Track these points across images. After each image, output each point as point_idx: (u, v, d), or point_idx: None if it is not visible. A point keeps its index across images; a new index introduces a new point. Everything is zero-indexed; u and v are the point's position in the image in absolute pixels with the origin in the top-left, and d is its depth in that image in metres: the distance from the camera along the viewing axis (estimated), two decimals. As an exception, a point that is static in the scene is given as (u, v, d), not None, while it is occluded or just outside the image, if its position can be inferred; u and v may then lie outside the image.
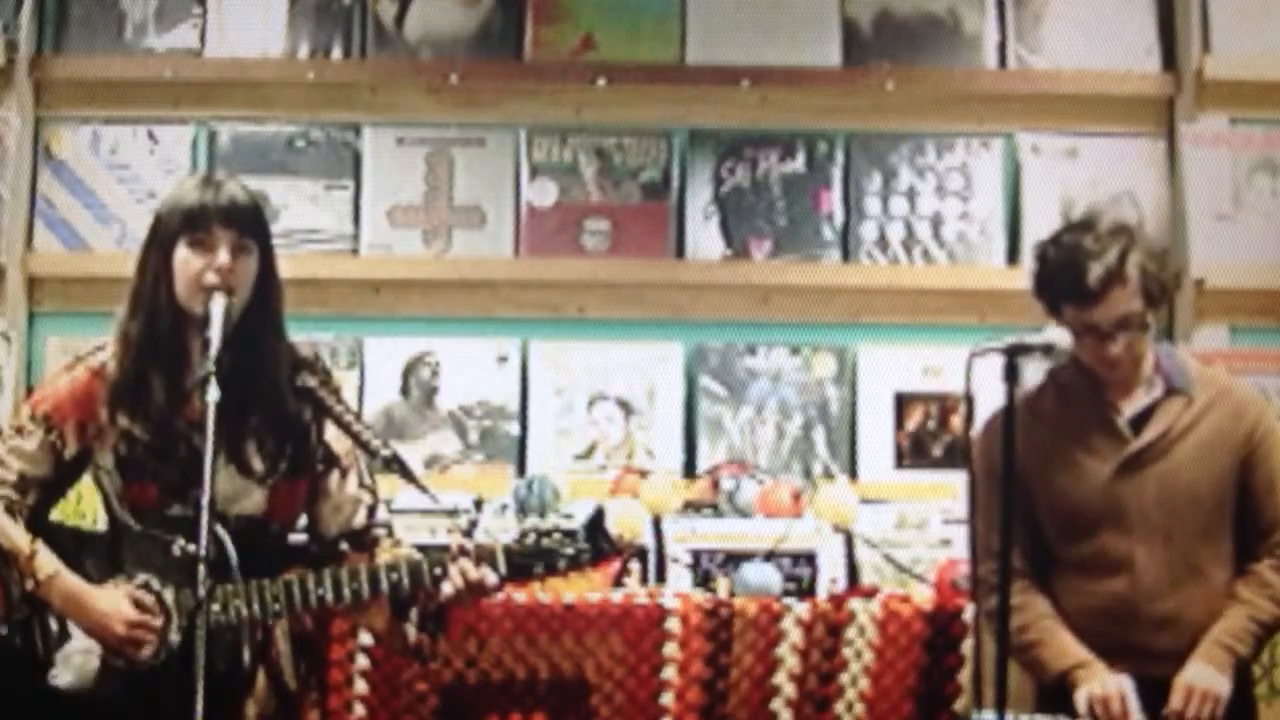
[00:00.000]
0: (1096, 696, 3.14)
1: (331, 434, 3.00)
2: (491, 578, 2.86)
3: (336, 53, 4.51)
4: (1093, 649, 3.21)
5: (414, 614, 2.93)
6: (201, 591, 2.66)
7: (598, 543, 2.90)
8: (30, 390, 4.25)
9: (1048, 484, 3.27)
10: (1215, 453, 3.22)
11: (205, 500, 2.68)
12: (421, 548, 3.00)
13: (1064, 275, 3.15)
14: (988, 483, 3.04)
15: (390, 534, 3.05)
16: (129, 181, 4.45)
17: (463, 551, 2.86)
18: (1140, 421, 3.24)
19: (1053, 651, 3.23)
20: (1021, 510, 3.20)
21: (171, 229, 2.89)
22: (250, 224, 2.92)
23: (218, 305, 2.82)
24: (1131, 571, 3.21)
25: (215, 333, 2.79)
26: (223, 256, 2.85)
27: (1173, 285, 3.27)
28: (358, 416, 3.02)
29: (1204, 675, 3.14)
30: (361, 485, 3.04)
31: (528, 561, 2.88)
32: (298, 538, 3.07)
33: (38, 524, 2.90)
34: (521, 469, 4.36)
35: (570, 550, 2.88)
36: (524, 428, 4.41)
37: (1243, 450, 3.24)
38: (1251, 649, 3.20)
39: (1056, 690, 3.22)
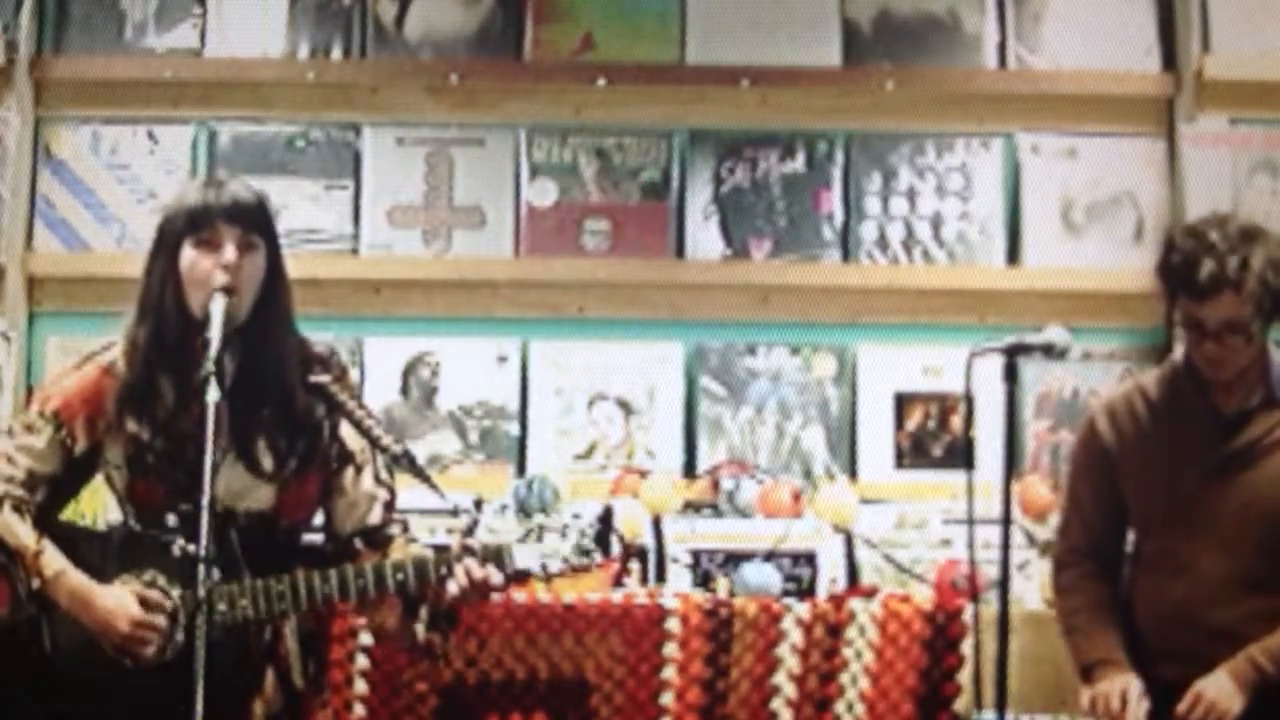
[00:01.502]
0: (1099, 694, 3.14)
1: (346, 431, 2.99)
2: (497, 576, 2.86)
3: (336, 53, 4.51)
4: (1152, 648, 3.20)
5: (424, 612, 2.92)
6: (202, 591, 2.66)
7: (606, 543, 2.90)
8: (30, 390, 4.26)
9: (1137, 474, 3.26)
10: None
11: (205, 500, 2.67)
12: (434, 548, 2.99)
13: (1183, 266, 3.10)
14: (1076, 471, 3.27)
15: (405, 531, 3.04)
16: (129, 181, 4.45)
17: (468, 550, 2.86)
18: (1236, 427, 3.20)
19: (1086, 642, 3.24)
20: (1110, 496, 3.29)
21: (176, 231, 2.88)
22: (256, 221, 2.91)
23: (217, 305, 2.81)
24: (1193, 576, 3.18)
25: (215, 333, 2.78)
26: (229, 253, 2.85)
27: None
28: (370, 413, 3.01)
29: (1218, 686, 3.09)
30: (378, 482, 3.03)
31: (534, 560, 2.88)
32: (313, 537, 3.06)
33: (46, 522, 2.90)
34: (521, 469, 4.36)
35: (579, 549, 2.88)
36: (524, 428, 4.41)
37: None
38: None
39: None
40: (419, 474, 2.97)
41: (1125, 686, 3.14)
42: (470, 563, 2.84)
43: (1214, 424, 3.21)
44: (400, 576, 2.85)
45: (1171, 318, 3.18)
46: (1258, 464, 3.18)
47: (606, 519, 2.94)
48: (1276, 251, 3.14)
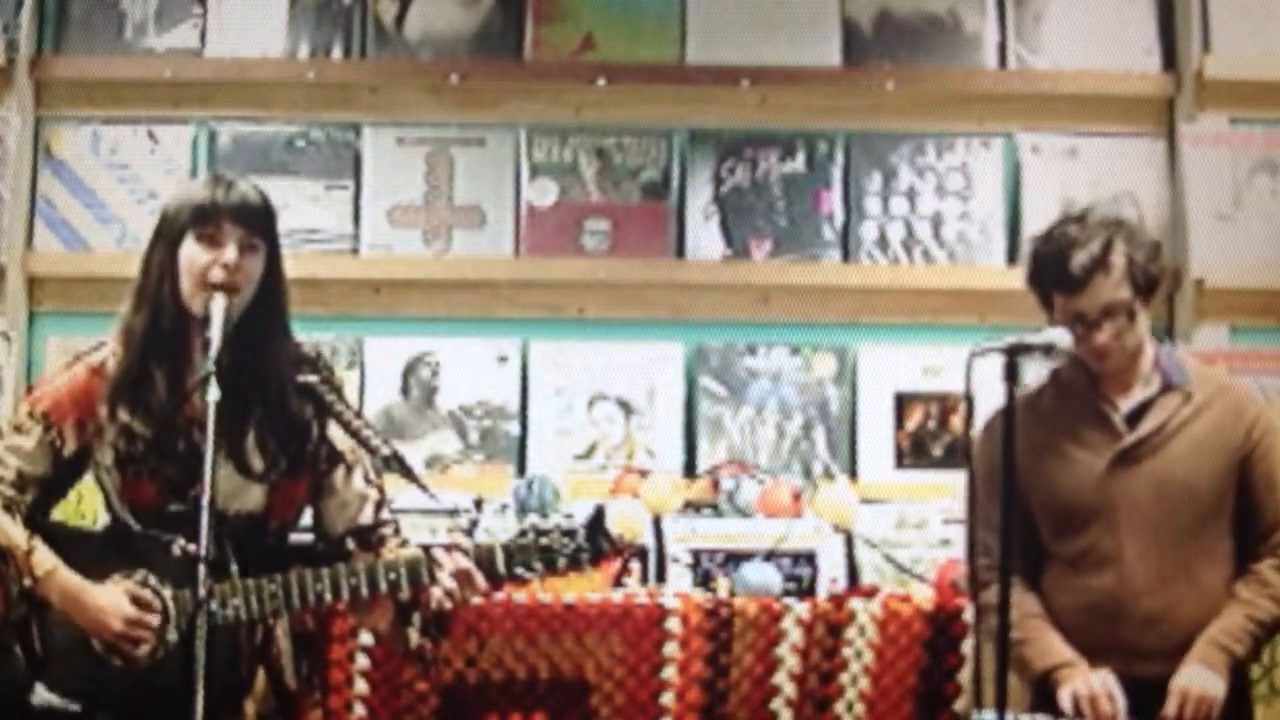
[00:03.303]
0: (1083, 694, 3.14)
1: (335, 431, 3.00)
2: (480, 577, 2.86)
3: (336, 53, 4.51)
4: (1080, 646, 3.20)
5: (416, 618, 2.92)
6: (202, 591, 2.66)
7: (597, 542, 2.90)
8: (30, 390, 4.26)
9: (1041, 478, 3.27)
10: (1212, 450, 3.21)
11: (205, 501, 2.67)
12: (427, 548, 2.99)
13: (1051, 263, 3.17)
14: (985, 482, 3.07)
15: (397, 532, 3.04)
16: (129, 181, 4.45)
17: (456, 546, 2.86)
18: (1136, 417, 3.24)
19: (1037, 650, 3.22)
20: (1017, 507, 3.20)
21: (180, 224, 2.89)
22: (260, 223, 2.92)
23: (218, 305, 2.82)
24: (1120, 567, 3.20)
25: (216, 332, 2.79)
26: (230, 253, 2.85)
27: (1165, 278, 3.27)
28: (359, 414, 3.01)
29: (1199, 678, 3.12)
30: (368, 482, 3.03)
31: (527, 560, 2.88)
32: (303, 537, 3.06)
33: (36, 523, 2.90)
34: (521, 469, 4.36)
35: (570, 549, 2.88)
36: (524, 428, 4.41)
37: (1242, 448, 3.22)
38: (1249, 649, 3.18)
39: (1043, 689, 3.21)
40: (408, 474, 2.97)
41: (1105, 681, 3.14)
42: (456, 556, 2.84)
43: (1113, 416, 3.23)
44: (393, 576, 2.85)
45: (1051, 321, 3.20)
46: (1166, 448, 3.21)
47: (598, 518, 2.92)
48: (1137, 233, 3.20)
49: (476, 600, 2.95)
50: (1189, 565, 3.20)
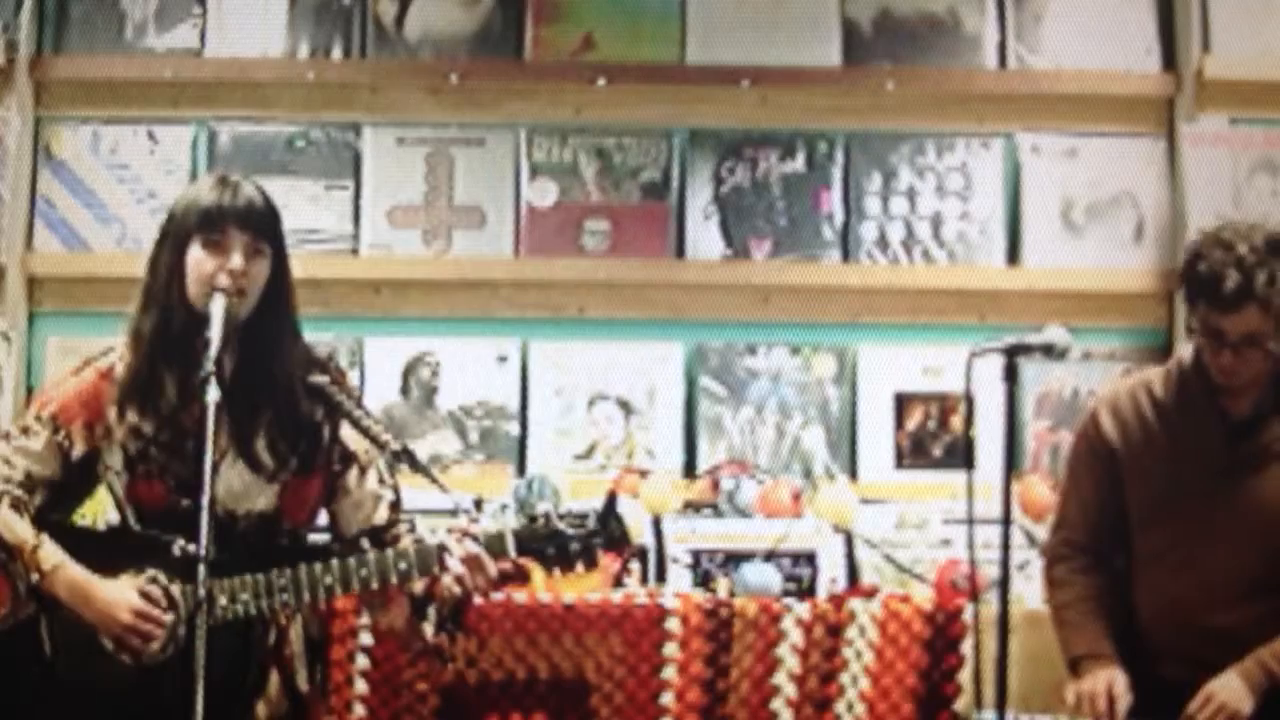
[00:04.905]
0: (1084, 691, 3.14)
1: (347, 432, 3.00)
2: (490, 563, 2.85)
3: (336, 53, 4.51)
4: (1156, 649, 3.20)
5: (432, 613, 2.92)
6: (202, 591, 2.66)
7: (610, 529, 2.88)
8: (30, 390, 4.26)
9: (1142, 471, 3.26)
10: None
11: (205, 500, 2.67)
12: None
13: (1208, 276, 3.10)
14: (1077, 464, 3.27)
15: (412, 530, 3.04)
16: (129, 181, 4.45)
17: (466, 532, 2.85)
18: (1244, 431, 3.21)
19: (1075, 635, 3.25)
20: (1110, 491, 3.30)
21: (186, 228, 2.89)
22: (265, 227, 2.92)
23: (217, 304, 2.82)
24: (1196, 575, 3.18)
25: (215, 332, 2.79)
26: (235, 259, 2.86)
27: None
28: (369, 413, 3.01)
29: (1229, 687, 3.10)
30: (382, 482, 3.03)
31: (539, 545, 2.86)
32: (319, 537, 3.06)
33: (43, 524, 2.90)
34: (521, 469, 4.36)
35: (582, 534, 2.86)
36: (524, 428, 4.41)
37: None
38: None
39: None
40: (421, 470, 2.97)
41: (1110, 681, 3.14)
42: (467, 543, 2.83)
43: (1223, 427, 3.22)
44: (403, 566, 2.84)
45: (1189, 323, 3.19)
46: (1267, 469, 3.19)
47: (611, 505, 2.90)
48: None
49: (486, 586, 2.90)
50: (1266, 587, 3.16)
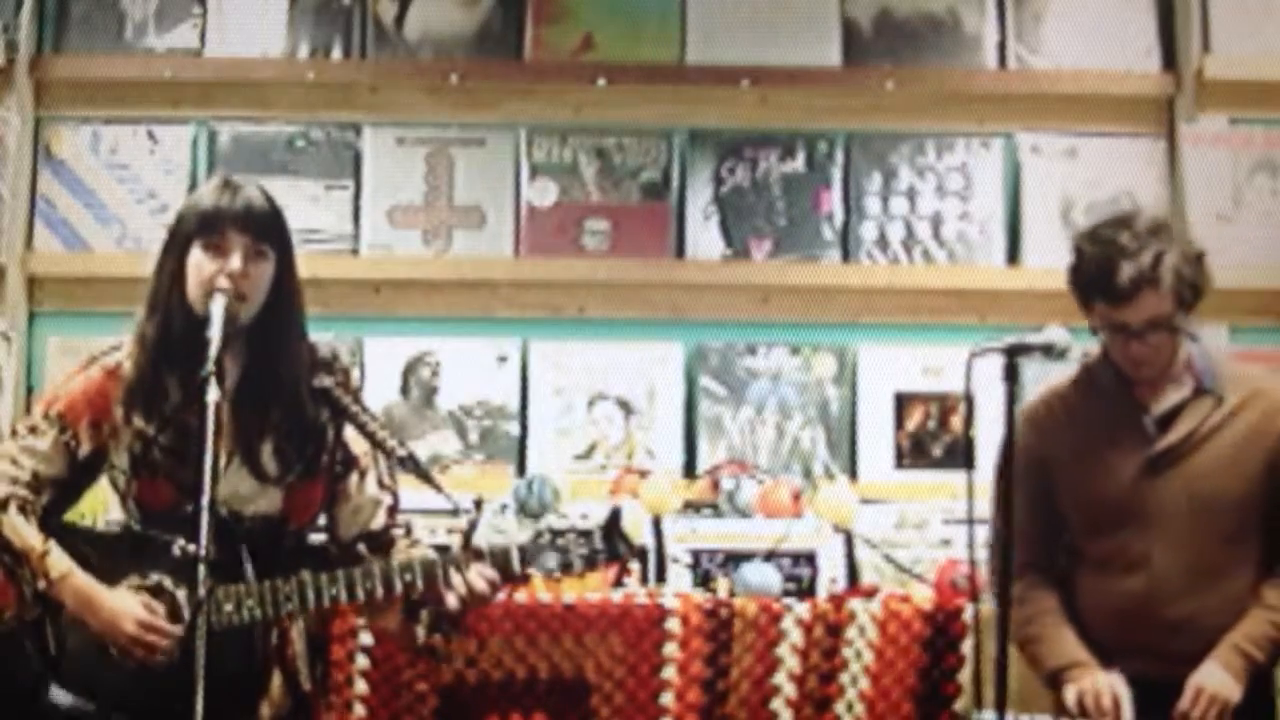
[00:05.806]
0: (1087, 690, 3.13)
1: (350, 435, 3.00)
2: (496, 577, 2.86)
3: (336, 53, 4.51)
4: (1107, 648, 3.18)
5: (424, 615, 2.92)
6: (202, 591, 2.65)
7: (614, 544, 2.89)
8: (30, 390, 4.26)
9: (1073, 477, 3.25)
10: (1244, 456, 3.17)
11: (205, 501, 2.67)
12: (438, 548, 2.99)
13: (1097, 272, 3.11)
14: (1006, 480, 3.05)
15: (408, 534, 3.05)
16: (129, 181, 4.45)
17: (476, 555, 2.86)
18: (1168, 421, 3.20)
19: (1050, 648, 3.21)
20: (1045, 504, 3.24)
21: (187, 232, 2.90)
22: (267, 229, 2.92)
23: (217, 305, 2.82)
24: (1149, 572, 3.17)
25: (214, 333, 2.78)
26: (234, 262, 2.85)
27: (1206, 288, 3.18)
28: (374, 416, 3.01)
29: (1215, 678, 3.10)
30: (381, 486, 3.04)
31: (543, 561, 2.87)
32: (318, 537, 3.06)
33: (50, 525, 2.90)
34: (521, 469, 4.36)
35: (585, 550, 2.88)
36: (524, 428, 4.41)
37: (1274, 452, 3.17)
38: (1270, 655, 3.14)
39: (1055, 688, 3.21)
40: (423, 476, 2.98)
41: (1112, 682, 3.13)
42: (471, 574, 2.84)
43: (1145, 420, 3.20)
44: (408, 578, 2.85)
45: (1090, 326, 3.17)
46: (1197, 453, 3.18)
47: (614, 519, 2.91)
48: (1185, 243, 3.14)
49: (489, 601, 2.93)
50: (1218, 571, 3.16)
